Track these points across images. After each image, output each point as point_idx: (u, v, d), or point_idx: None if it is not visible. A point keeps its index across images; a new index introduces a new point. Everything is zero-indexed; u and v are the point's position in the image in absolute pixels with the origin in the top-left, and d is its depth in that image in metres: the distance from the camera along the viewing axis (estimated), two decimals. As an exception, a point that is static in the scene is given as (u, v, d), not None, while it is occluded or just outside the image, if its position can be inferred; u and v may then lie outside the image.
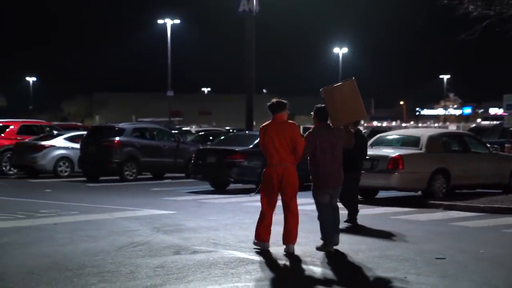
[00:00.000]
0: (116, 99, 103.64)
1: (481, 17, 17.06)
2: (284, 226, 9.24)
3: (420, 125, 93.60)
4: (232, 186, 18.67)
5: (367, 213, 13.23)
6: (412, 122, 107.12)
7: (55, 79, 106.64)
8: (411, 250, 9.40)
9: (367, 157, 12.39)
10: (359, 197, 13.06)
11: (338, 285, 7.50)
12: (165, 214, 13.04)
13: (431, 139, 15.91)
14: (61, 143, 23.22)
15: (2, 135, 24.34)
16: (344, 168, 9.58)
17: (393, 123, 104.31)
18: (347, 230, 11.17)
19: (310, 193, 9.57)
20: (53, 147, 22.99)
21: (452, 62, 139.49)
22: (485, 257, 9.02)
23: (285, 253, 9.06)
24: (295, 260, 8.77)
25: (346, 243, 9.82)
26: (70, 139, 23.44)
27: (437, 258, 8.81)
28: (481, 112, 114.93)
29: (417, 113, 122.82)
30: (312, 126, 9.64)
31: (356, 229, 11.44)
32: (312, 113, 9.51)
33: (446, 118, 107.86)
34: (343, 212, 11.03)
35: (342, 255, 9.10)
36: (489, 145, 17.63)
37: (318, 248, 9.29)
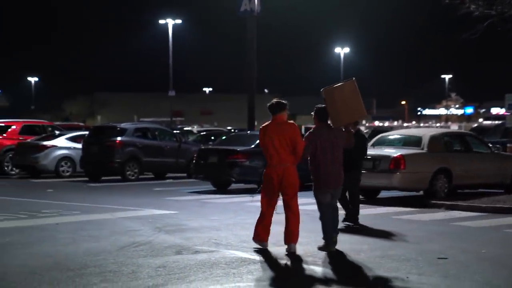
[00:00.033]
0: (118, 99, 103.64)
1: (482, 16, 17.06)
2: (286, 225, 9.25)
3: (422, 125, 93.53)
4: (233, 186, 18.68)
5: (369, 213, 13.23)
6: (414, 122, 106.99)
7: (57, 79, 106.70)
8: (412, 250, 9.39)
9: (369, 157, 12.39)
10: (360, 197, 13.07)
11: (340, 285, 7.50)
12: (167, 214, 13.05)
13: (433, 139, 15.90)
14: (63, 143, 23.24)
15: (4, 135, 24.35)
16: (344, 167, 9.60)
17: (395, 123, 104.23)
18: (349, 230, 11.18)
19: (311, 193, 9.58)
20: (55, 147, 23.01)
21: (454, 61, 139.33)
22: (487, 257, 9.01)
23: (287, 252, 9.06)
24: (296, 260, 8.78)
25: (348, 243, 9.82)
26: (72, 139, 23.46)
27: (439, 258, 8.80)
28: (483, 112, 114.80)
29: (419, 113, 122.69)
30: (313, 126, 9.65)
31: (357, 229, 11.44)
32: (312, 113, 9.52)
33: (448, 118, 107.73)
34: (342, 212, 11.05)
35: (343, 255, 9.10)
36: (491, 145, 17.62)
37: (320, 248, 9.29)
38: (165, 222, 11.92)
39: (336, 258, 8.90)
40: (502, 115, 64.00)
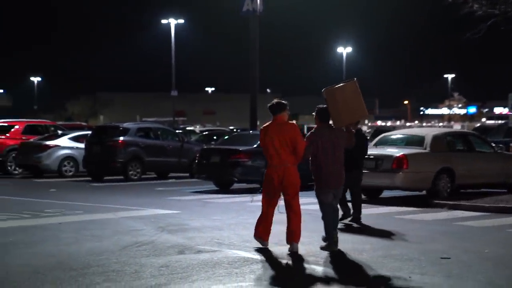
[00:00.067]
0: (120, 99, 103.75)
1: (485, 16, 17.03)
2: (287, 225, 9.26)
3: (424, 124, 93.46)
4: (236, 185, 18.68)
5: (371, 213, 13.22)
6: (416, 122, 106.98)
7: (59, 79, 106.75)
8: (415, 250, 9.39)
9: (371, 157, 12.38)
10: (363, 196, 13.06)
11: (342, 285, 7.49)
12: (170, 214, 13.06)
13: (436, 138, 15.89)
14: (65, 143, 23.27)
15: (7, 135, 24.39)
16: (345, 167, 9.60)
17: (398, 123, 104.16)
18: (351, 230, 11.18)
19: (313, 192, 9.60)
20: (57, 147, 23.04)
21: (456, 61, 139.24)
22: (490, 257, 9.00)
23: (289, 252, 9.07)
24: (298, 259, 8.78)
25: (350, 243, 9.82)
26: (75, 139, 23.49)
27: (441, 258, 8.80)
28: (486, 111, 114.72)
29: (422, 113, 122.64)
30: (315, 126, 9.66)
31: (360, 228, 11.44)
32: (313, 113, 9.52)
33: (450, 118, 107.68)
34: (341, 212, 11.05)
35: (345, 255, 9.09)
36: (494, 145, 17.60)
37: (322, 248, 9.29)
38: (168, 221, 11.93)
39: (338, 258, 8.89)
40: (505, 114, 63.86)
